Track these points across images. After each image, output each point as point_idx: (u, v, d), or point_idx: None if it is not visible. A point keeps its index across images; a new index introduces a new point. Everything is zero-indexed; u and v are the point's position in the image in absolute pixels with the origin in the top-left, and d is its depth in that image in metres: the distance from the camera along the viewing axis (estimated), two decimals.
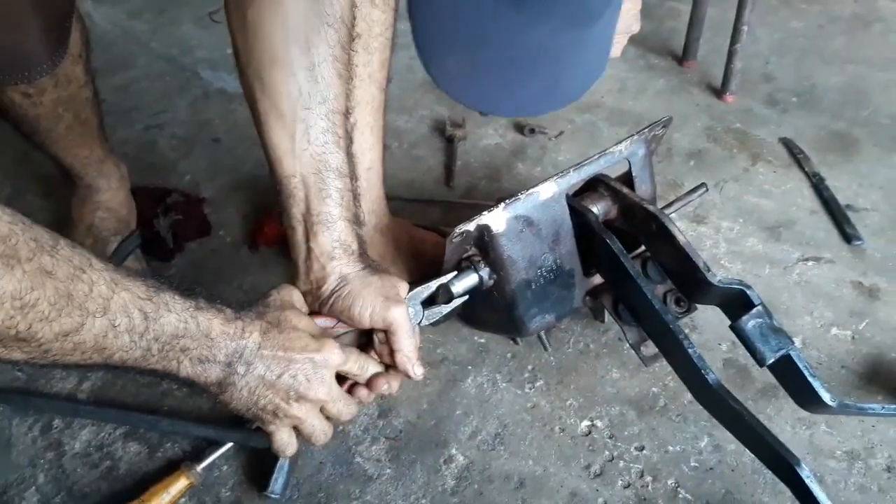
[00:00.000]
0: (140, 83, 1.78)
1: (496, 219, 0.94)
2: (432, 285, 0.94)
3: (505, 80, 0.53)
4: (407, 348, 0.86)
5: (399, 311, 0.85)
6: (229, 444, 1.01)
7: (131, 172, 1.35)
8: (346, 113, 0.88)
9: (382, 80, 1.05)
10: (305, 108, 0.82)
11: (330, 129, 0.85)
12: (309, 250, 0.86)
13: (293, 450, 0.84)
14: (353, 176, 0.90)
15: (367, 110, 1.07)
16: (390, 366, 0.88)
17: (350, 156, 0.89)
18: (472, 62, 0.52)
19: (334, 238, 0.86)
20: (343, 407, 0.83)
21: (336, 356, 0.81)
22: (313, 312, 0.88)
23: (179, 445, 1.04)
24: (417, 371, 0.87)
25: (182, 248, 1.35)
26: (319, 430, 0.83)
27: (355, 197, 0.91)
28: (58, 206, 1.39)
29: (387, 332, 0.86)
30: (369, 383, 0.87)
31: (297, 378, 0.79)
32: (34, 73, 1.04)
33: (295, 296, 0.85)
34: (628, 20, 1.74)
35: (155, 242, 1.33)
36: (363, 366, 0.86)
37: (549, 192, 0.98)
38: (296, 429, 0.83)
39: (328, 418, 0.84)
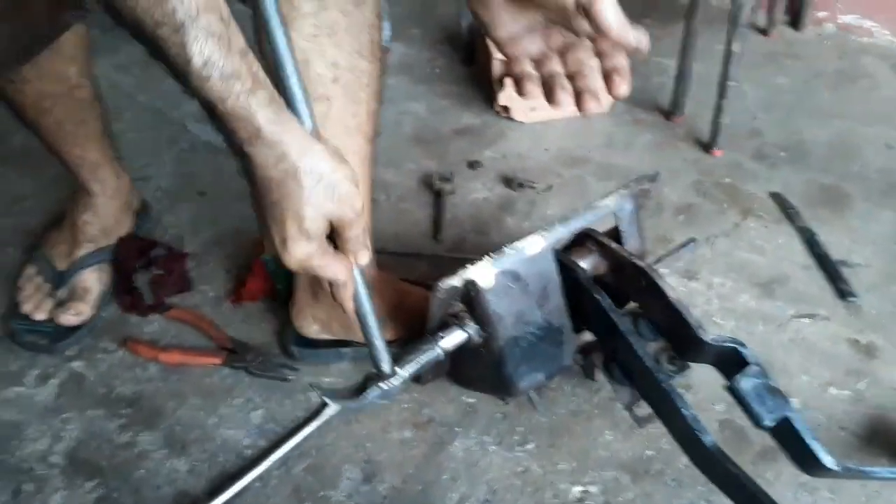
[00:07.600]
0: (127, 135, 1.76)
1: (483, 273, 0.92)
2: (419, 355, 0.93)
3: None
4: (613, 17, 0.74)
5: None
6: None
7: None
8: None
9: (370, 132, 1.04)
10: None
11: None
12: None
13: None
14: None
15: (354, 160, 1.05)
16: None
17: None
18: None
19: None
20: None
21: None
22: None
23: None
24: (643, 42, 0.77)
25: (162, 303, 1.31)
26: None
27: None
28: None
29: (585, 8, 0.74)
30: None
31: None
32: None
33: None
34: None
35: (133, 296, 1.30)
36: None
37: (536, 247, 0.96)
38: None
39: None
